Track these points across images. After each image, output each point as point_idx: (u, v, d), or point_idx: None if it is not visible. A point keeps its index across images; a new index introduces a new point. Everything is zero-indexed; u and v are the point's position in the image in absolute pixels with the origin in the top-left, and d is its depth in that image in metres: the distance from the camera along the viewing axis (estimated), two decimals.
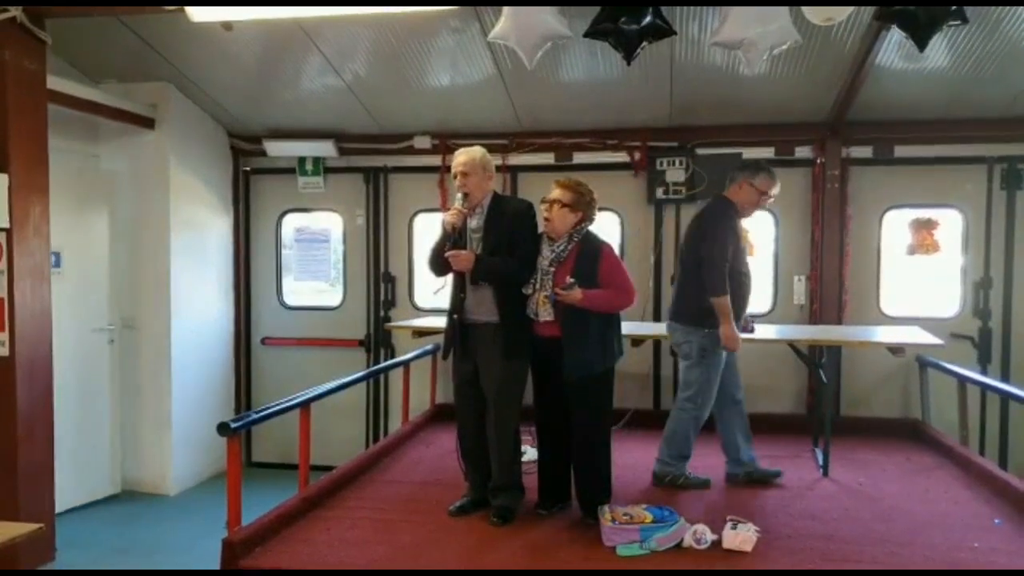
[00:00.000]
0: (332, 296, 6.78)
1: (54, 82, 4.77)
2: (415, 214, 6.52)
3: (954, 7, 3.54)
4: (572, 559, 3.29)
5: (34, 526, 2.83)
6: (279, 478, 5.64)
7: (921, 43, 3.60)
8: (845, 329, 5.45)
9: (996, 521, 3.69)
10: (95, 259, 5.63)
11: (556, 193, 3.70)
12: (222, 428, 3.42)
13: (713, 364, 4.13)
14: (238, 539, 3.27)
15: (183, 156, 6.00)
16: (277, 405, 3.90)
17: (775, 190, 4.22)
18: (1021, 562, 3.26)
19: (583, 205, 3.70)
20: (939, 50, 4.74)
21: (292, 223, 6.80)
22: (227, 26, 4.51)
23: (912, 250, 5.86)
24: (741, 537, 3.34)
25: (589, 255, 3.66)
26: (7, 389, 4.34)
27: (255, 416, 3.74)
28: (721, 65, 5.04)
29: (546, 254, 3.69)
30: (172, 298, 5.89)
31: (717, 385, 4.18)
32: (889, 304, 5.86)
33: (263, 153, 6.46)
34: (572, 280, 3.54)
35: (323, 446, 5.28)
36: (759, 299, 6.04)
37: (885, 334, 4.89)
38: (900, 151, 5.77)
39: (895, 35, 4.37)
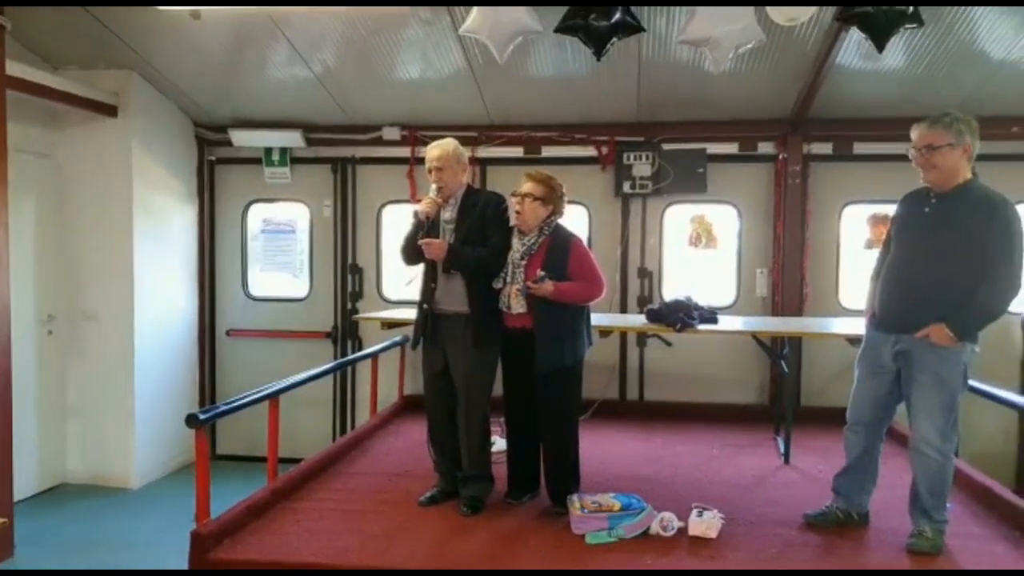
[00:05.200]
0: (299, 287, 6.74)
1: (12, 67, 4.66)
2: (383, 205, 6.50)
3: (911, 9, 3.66)
4: (542, 547, 3.34)
5: None
6: (244, 471, 5.61)
7: (880, 44, 3.72)
8: (806, 321, 5.59)
9: (948, 506, 3.83)
10: (21, 251, 5.29)
11: (527, 187, 3.72)
12: (190, 419, 3.39)
13: None
14: (207, 531, 3.25)
15: (146, 145, 5.90)
16: (245, 397, 3.87)
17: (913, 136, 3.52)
18: (971, 544, 3.41)
19: (554, 199, 3.73)
20: (896, 51, 4.88)
21: (258, 213, 6.73)
22: (195, 15, 4.46)
23: (870, 244, 6.00)
24: (706, 524, 3.43)
25: (559, 248, 3.70)
26: None
27: (224, 408, 3.72)
28: (688, 62, 5.12)
29: (517, 247, 3.72)
30: (135, 289, 5.80)
31: None
32: (848, 297, 5.99)
33: (229, 143, 6.38)
34: (543, 273, 3.58)
35: (290, 439, 5.25)
36: (723, 292, 6.18)
37: (844, 326, 5.00)
38: (859, 148, 5.91)
39: (855, 35, 4.49)
